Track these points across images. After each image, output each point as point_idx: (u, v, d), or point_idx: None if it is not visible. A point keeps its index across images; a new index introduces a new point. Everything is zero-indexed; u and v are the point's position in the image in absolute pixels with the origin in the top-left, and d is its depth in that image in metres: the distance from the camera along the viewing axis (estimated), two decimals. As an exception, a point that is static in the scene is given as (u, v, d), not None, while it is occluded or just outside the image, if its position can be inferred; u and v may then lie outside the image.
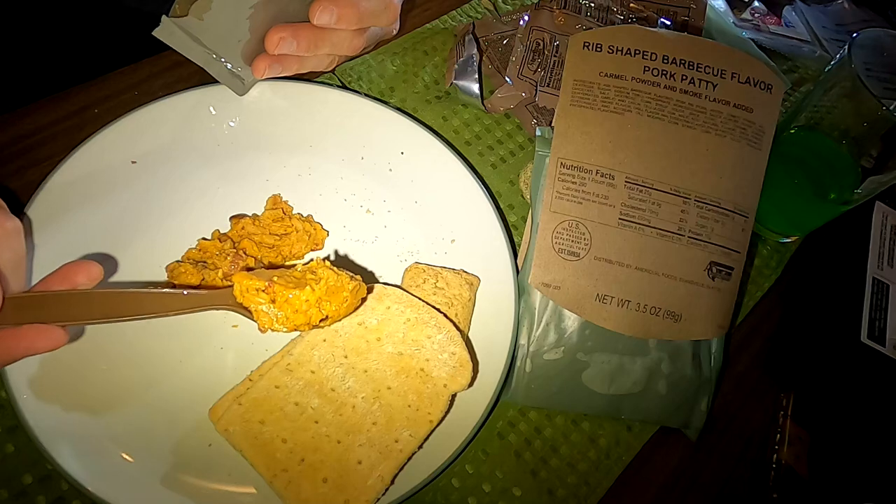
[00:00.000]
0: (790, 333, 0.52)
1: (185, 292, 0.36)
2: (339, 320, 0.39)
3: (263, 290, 0.36)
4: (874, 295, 0.51)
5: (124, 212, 0.44)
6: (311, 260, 0.38)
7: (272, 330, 0.37)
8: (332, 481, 0.36)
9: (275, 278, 0.37)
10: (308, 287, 0.36)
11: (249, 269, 0.41)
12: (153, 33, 0.41)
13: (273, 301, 0.36)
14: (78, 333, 0.39)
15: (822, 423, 0.47)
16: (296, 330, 0.37)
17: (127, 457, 0.37)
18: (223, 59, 0.45)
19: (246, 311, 0.37)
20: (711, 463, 0.46)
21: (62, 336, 0.32)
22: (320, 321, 0.37)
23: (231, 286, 0.37)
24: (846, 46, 0.45)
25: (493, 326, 0.44)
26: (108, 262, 0.42)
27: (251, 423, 0.37)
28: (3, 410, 0.37)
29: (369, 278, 0.45)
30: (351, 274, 0.38)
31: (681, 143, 0.44)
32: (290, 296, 0.36)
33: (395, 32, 0.51)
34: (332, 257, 0.46)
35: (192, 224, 0.44)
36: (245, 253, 0.42)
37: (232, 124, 0.48)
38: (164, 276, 0.41)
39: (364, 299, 0.40)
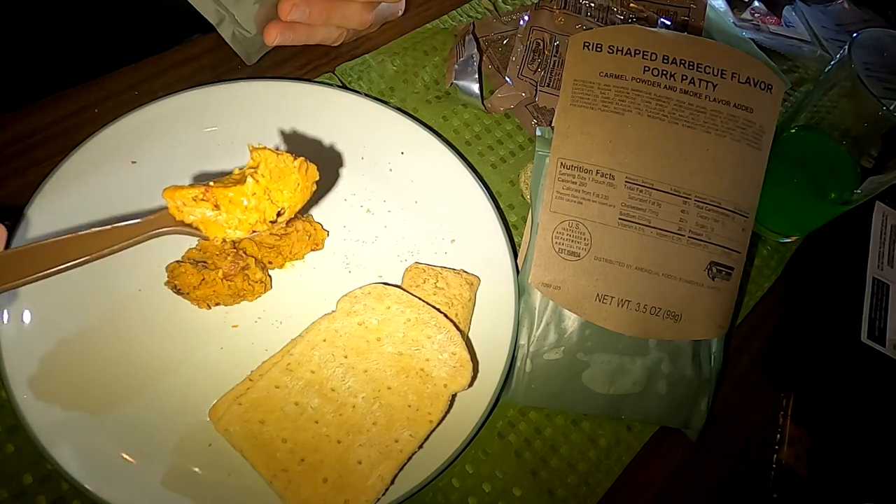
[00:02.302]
0: (790, 333, 0.52)
1: (118, 226, 0.33)
2: (299, 210, 0.35)
3: (202, 198, 0.33)
4: (874, 295, 0.51)
5: (124, 211, 0.43)
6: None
7: (227, 238, 0.33)
8: (332, 481, 0.36)
9: (211, 182, 0.34)
10: (249, 179, 0.33)
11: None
12: None
13: (217, 206, 0.33)
14: (77, 332, 0.39)
15: (822, 423, 0.47)
16: (253, 231, 0.33)
17: (127, 457, 0.36)
18: (236, 19, 0.46)
19: (192, 229, 0.34)
20: (711, 463, 0.46)
21: None
22: (277, 215, 0.34)
23: (166, 209, 0.33)
24: (846, 46, 0.45)
25: (493, 326, 0.44)
26: (108, 262, 0.42)
27: (251, 423, 0.37)
28: (3, 410, 0.37)
29: (369, 278, 0.45)
30: (291, 155, 0.35)
31: (681, 142, 0.44)
32: (232, 194, 0.32)
33: (400, 13, 0.52)
34: (332, 257, 0.46)
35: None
36: (245, 253, 0.42)
37: (232, 124, 0.48)
38: (164, 277, 0.41)
39: (318, 182, 0.36)
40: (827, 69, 0.47)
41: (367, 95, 0.52)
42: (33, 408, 0.36)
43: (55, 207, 0.41)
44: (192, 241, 0.43)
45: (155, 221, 0.34)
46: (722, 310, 0.45)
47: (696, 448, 0.46)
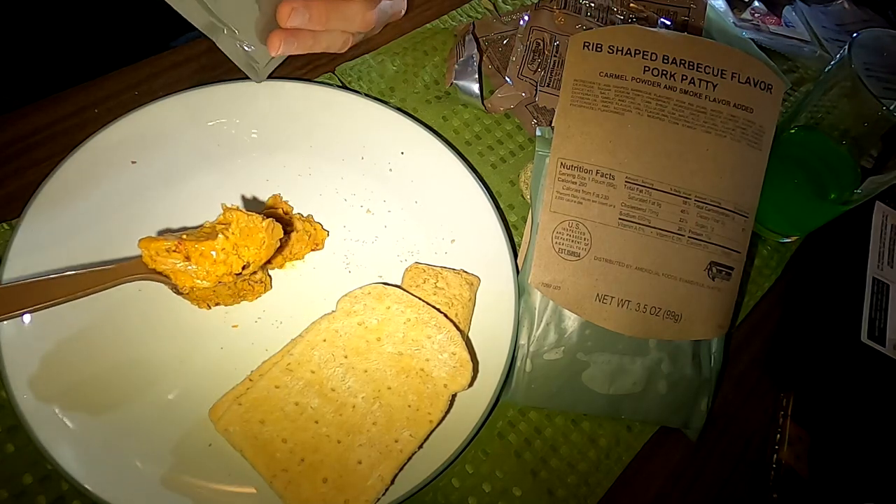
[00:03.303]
0: (790, 333, 0.52)
1: (91, 270, 0.36)
2: (262, 265, 0.38)
3: (175, 250, 0.35)
4: (874, 295, 0.51)
5: (124, 211, 0.44)
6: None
7: (194, 287, 0.36)
8: (332, 481, 0.36)
9: (183, 236, 0.36)
10: (220, 236, 0.36)
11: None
12: None
13: (187, 258, 0.35)
14: (77, 332, 0.39)
15: (822, 423, 0.47)
16: (220, 282, 0.36)
17: (127, 457, 0.37)
18: (234, 32, 0.45)
19: (162, 277, 0.36)
20: (711, 463, 0.46)
21: None
22: (242, 268, 0.37)
23: (139, 256, 0.36)
24: (846, 46, 0.45)
25: (493, 326, 0.44)
26: (108, 263, 0.42)
27: (251, 423, 0.37)
28: (3, 410, 0.37)
29: (369, 278, 0.45)
30: (263, 215, 0.38)
31: (681, 143, 0.44)
32: (203, 248, 0.35)
33: (402, 13, 0.51)
34: (332, 257, 0.46)
35: (192, 224, 0.44)
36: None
37: (232, 124, 0.48)
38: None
39: (283, 240, 0.39)
40: (827, 69, 0.47)
41: (367, 95, 0.52)
42: (33, 408, 0.36)
43: (55, 207, 0.41)
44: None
45: (128, 268, 0.37)
46: (722, 310, 0.45)
47: (696, 448, 0.46)
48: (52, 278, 0.36)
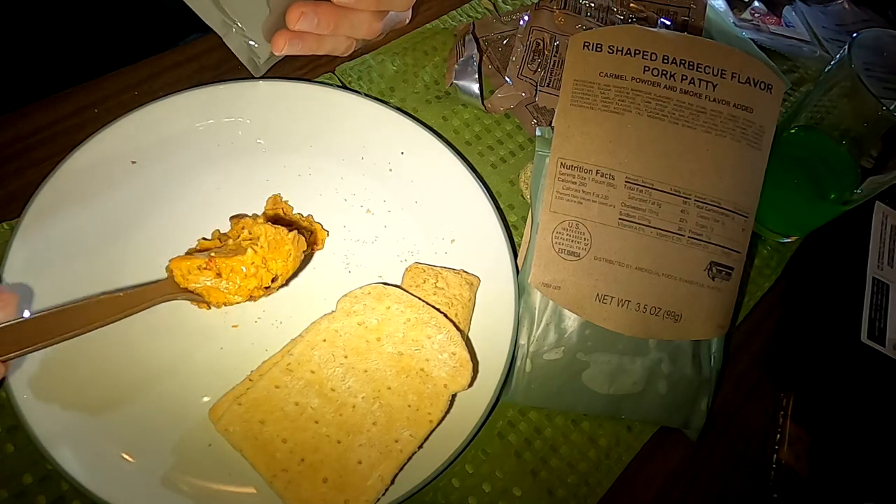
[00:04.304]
0: (790, 333, 0.52)
1: (122, 294, 0.36)
2: (289, 277, 0.39)
3: (205, 267, 0.36)
4: (874, 295, 0.51)
5: (124, 212, 0.44)
6: (244, 217, 0.38)
7: (227, 304, 0.36)
8: (332, 481, 0.36)
9: (212, 253, 0.37)
10: (249, 250, 0.36)
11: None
12: None
13: (218, 275, 0.36)
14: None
15: (822, 423, 0.47)
16: (251, 297, 0.37)
17: (127, 457, 0.36)
18: (243, 30, 0.46)
19: (194, 295, 0.37)
20: (711, 463, 0.46)
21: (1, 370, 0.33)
22: (272, 282, 0.37)
23: (169, 276, 0.36)
24: (846, 46, 0.45)
25: (493, 326, 0.44)
26: (108, 263, 0.42)
27: (251, 423, 0.37)
28: (3, 410, 0.37)
29: (369, 278, 0.45)
30: (285, 228, 0.38)
31: (681, 143, 0.44)
32: (234, 264, 0.36)
33: (407, 22, 0.52)
34: (332, 257, 0.46)
35: (192, 224, 0.44)
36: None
37: (232, 124, 0.48)
38: (164, 276, 0.41)
39: (306, 252, 0.40)
40: (827, 69, 0.47)
41: (367, 95, 0.52)
42: (33, 408, 0.36)
43: (55, 208, 0.41)
44: (193, 242, 0.43)
45: (160, 289, 0.37)
46: (722, 310, 0.45)
47: (696, 448, 0.46)
48: (83, 304, 0.35)
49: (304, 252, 0.39)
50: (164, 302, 0.37)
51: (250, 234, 0.37)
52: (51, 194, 0.41)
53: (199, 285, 0.36)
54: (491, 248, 0.46)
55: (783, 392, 0.49)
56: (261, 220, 0.37)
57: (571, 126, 0.44)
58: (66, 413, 0.37)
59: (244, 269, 0.36)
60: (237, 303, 0.37)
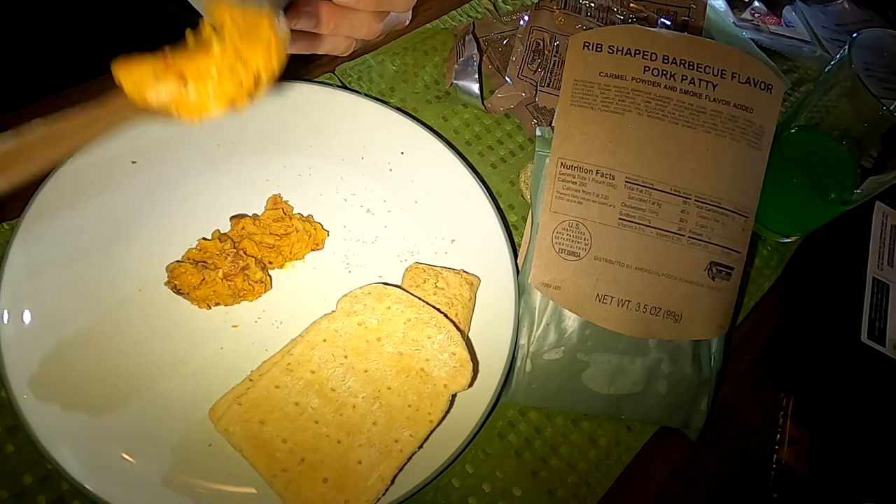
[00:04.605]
0: (790, 333, 0.52)
1: (70, 117, 0.29)
2: (275, 72, 0.30)
3: (163, 73, 0.28)
4: (874, 295, 0.51)
5: (124, 212, 0.44)
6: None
7: (203, 117, 0.29)
8: (332, 481, 0.36)
9: (167, 52, 0.28)
10: (215, 43, 0.28)
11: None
12: None
13: (183, 79, 0.28)
14: (77, 332, 0.39)
15: (822, 423, 0.47)
16: (233, 103, 0.29)
17: (127, 457, 0.37)
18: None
19: (158, 111, 0.28)
20: (711, 463, 0.46)
21: None
22: (255, 84, 0.29)
23: (120, 90, 0.28)
24: (846, 46, 0.45)
25: (493, 326, 0.44)
26: (108, 263, 0.42)
27: (251, 423, 0.37)
28: (3, 410, 0.37)
29: (369, 278, 0.45)
30: (260, 10, 0.29)
31: (681, 143, 0.44)
32: (199, 64, 0.28)
33: (407, 23, 0.52)
34: (332, 257, 0.46)
35: (192, 224, 0.44)
36: (245, 253, 0.42)
37: (232, 124, 0.48)
38: (164, 277, 0.41)
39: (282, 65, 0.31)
40: (827, 69, 0.47)
41: (367, 95, 0.52)
42: (33, 408, 0.36)
43: (55, 207, 0.41)
44: (193, 242, 0.43)
45: (112, 112, 0.29)
46: (722, 310, 0.45)
47: (696, 448, 0.46)
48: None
49: (287, 39, 0.31)
50: (121, 127, 0.29)
51: (213, 20, 0.28)
52: (51, 194, 0.41)
53: (160, 98, 0.28)
54: (491, 248, 0.46)
55: (783, 392, 0.49)
56: (223, 5, 0.28)
57: (571, 126, 0.44)
58: (66, 413, 0.37)
59: (213, 68, 0.28)
60: (216, 114, 0.29)
